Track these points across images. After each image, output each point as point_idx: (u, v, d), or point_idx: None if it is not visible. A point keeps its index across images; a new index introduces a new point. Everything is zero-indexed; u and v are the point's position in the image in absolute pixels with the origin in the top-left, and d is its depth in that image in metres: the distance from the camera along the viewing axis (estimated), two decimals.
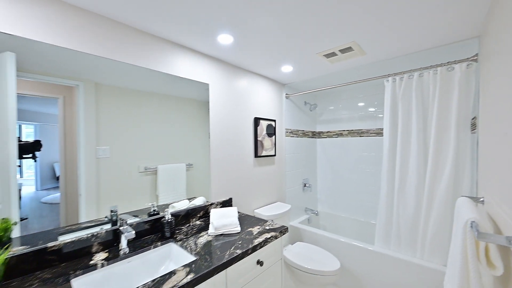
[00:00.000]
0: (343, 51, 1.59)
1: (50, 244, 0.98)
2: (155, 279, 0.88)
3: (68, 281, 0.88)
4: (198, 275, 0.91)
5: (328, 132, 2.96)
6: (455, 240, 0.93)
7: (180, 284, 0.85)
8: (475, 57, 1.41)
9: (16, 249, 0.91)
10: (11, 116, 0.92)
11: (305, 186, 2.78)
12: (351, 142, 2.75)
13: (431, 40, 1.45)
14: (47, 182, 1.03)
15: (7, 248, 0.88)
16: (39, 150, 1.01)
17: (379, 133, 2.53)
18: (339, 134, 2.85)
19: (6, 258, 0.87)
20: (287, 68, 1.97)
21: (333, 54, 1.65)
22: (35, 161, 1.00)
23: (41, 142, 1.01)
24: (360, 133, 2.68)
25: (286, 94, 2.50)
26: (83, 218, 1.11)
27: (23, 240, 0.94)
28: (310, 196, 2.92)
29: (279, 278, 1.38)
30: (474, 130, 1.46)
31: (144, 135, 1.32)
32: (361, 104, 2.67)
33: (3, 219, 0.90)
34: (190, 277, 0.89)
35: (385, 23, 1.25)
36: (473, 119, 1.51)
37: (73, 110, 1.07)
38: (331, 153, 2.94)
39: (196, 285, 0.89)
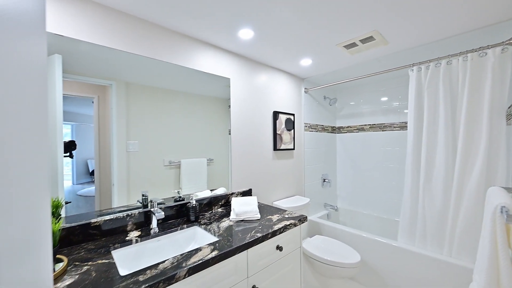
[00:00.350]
0: (364, 41, 1.57)
1: (93, 220, 1.11)
2: (183, 253, 0.96)
3: (109, 252, 1.00)
4: (222, 252, 0.97)
5: (348, 127, 2.90)
6: (484, 228, 0.89)
7: (206, 258, 0.92)
8: (511, 41, 1.31)
9: (65, 225, 1.05)
10: (58, 116, 1.03)
11: (324, 181, 2.75)
12: (373, 136, 2.68)
13: (460, 24, 1.38)
14: (82, 177, 1.13)
15: (59, 220, 1.02)
16: (74, 149, 1.11)
17: (403, 127, 2.43)
18: (361, 129, 2.78)
19: (59, 229, 1.00)
20: (306, 62, 1.98)
21: (353, 45, 1.63)
22: (72, 158, 1.11)
23: (75, 142, 1.11)
24: (382, 127, 2.59)
25: (305, 88, 2.50)
26: (116, 205, 1.22)
27: (68, 219, 1.07)
28: (329, 192, 2.89)
29: (298, 265, 1.40)
30: (511, 119, 1.36)
31: (169, 131, 1.41)
32: (383, 97, 2.58)
33: (54, 200, 1.03)
34: (214, 253, 0.96)
35: (409, 8, 1.22)
36: (509, 107, 1.41)
37: (106, 108, 1.18)
38: (352, 148, 2.88)
39: (220, 261, 0.96)
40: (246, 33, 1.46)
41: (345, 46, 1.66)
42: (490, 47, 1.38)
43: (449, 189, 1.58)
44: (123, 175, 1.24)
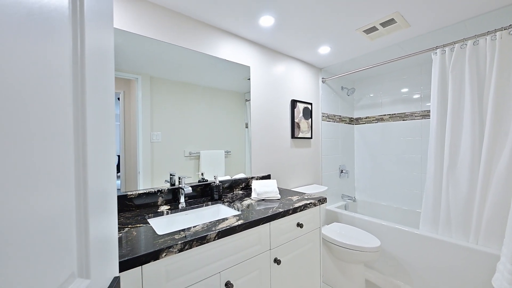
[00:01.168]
0: (384, 24, 1.56)
1: (129, 193, 1.22)
2: (211, 221, 1.04)
3: (145, 219, 1.09)
4: (247, 221, 1.03)
5: (367, 117, 2.86)
6: None
7: (232, 225, 0.98)
8: None
9: None
10: None
11: (342, 172, 2.74)
12: (393, 127, 2.62)
13: (488, 0, 1.34)
14: None
15: None
16: None
17: (425, 115, 2.37)
18: (380, 119, 2.73)
19: None
20: (324, 50, 2.00)
21: (373, 29, 1.63)
22: None
23: None
24: (403, 116, 2.53)
25: (323, 78, 2.50)
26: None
27: None
28: (347, 183, 2.86)
29: (318, 245, 1.44)
30: None
31: (189, 123, 1.48)
32: (404, 86, 2.52)
33: None
34: (240, 222, 1.02)
35: None
36: None
37: (131, 102, 1.26)
38: (370, 140, 2.83)
39: (245, 229, 1.02)
40: (266, 20, 1.51)
41: (365, 31, 1.65)
42: None
43: (476, 174, 1.53)
44: (148, 164, 1.33)
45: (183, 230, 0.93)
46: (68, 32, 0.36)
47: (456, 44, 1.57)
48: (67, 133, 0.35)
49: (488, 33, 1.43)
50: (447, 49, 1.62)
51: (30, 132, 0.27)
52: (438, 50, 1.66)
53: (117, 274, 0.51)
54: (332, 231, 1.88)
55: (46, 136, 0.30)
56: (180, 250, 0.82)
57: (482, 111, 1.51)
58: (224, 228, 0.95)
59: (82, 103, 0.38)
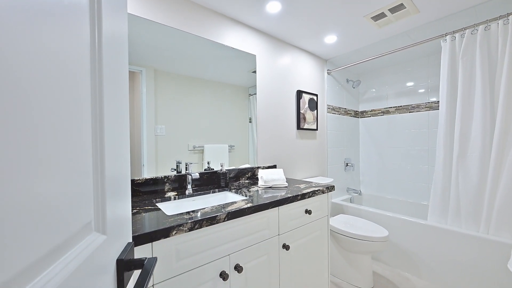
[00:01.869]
0: (393, 10, 1.53)
1: (136, 178, 1.21)
2: (220, 204, 1.02)
3: (153, 203, 1.08)
4: (255, 204, 1.02)
5: (372, 110, 2.83)
6: None
7: (242, 208, 0.97)
8: None
9: None
10: None
11: (347, 165, 2.71)
12: (399, 119, 2.59)
13: None
14: None
15: None
16: None
17: (432, 107, 2.33)
18: (386, 112, 2.70)
19: None
20: (331, 39, 1.97)
21: (382, 16, 1.60)
22: None
23: None
24: (409, 108, 2.50)
25: (328, 70, 2.48)
26: None
27: None
28: (352, 176, 2.84)
29: (326, 233, 1.42)
30: None
31: (193, 117, 1.46)
32: (410, 78, 2.49)
33: None
34: (249, 205, 1.01)
35: None
36: None
37: (135, 95, 1.24)
38: (376, 132, 2.80)
39: (254, 212, 1.00)
40: (273, 6, 1.49)
41: (373, 18, 1.63)
42: None
43: (486, 163, 1.50)
44: (152, 157, 1.31)
45: (193, 211, 0.92)
46: (86, 19, 0.34)
47: (467, 30, 1.54)
48: (85, 121, 0.34)
49: (500, 17, 1.40)
50: (457, 35, 1.59)
51: (55, 125, 0.27)
52: (447, 37, 1.63)
53: (130, 240, 0.50)
54: (339, 222, 1.86)
55: (68, 127, 0.29)
56: (190, 229, 0.80)
57: (493, 98, 1.48)
58: (233, 210, 0.93)
59: (100, 94, 0.37)
